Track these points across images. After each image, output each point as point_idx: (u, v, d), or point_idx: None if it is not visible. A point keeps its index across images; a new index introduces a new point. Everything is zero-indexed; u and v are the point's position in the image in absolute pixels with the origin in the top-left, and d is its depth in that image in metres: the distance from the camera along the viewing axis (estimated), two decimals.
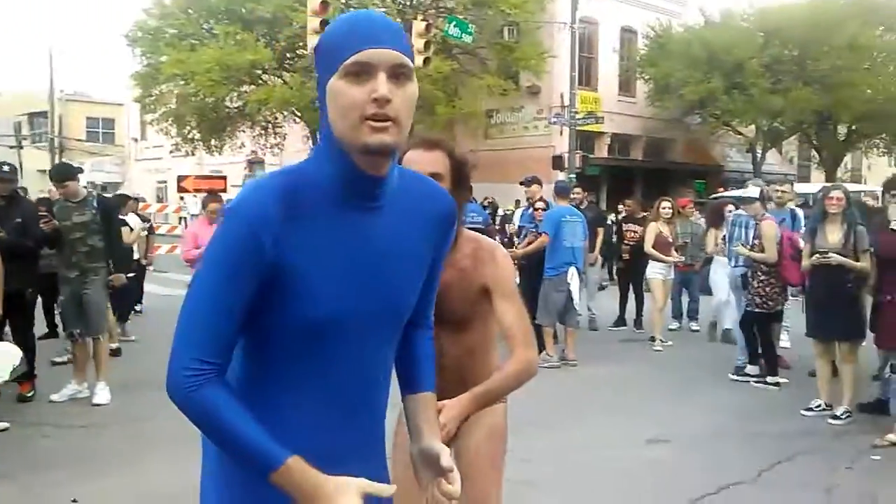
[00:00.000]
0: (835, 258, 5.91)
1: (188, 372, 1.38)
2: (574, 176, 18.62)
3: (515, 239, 10.35)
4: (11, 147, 34.80)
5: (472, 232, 2.43)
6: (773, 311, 7.07)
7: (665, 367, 7.99)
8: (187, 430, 4.91)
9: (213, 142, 25.11)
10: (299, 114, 22.27)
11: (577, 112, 20.01)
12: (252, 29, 21.43)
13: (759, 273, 7.00)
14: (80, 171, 6.88)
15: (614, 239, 11.49)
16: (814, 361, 6.48)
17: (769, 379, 7.07)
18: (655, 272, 9.25)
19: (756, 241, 7.09)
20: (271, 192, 1.39)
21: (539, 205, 8.83)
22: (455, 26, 17.69)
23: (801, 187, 19.81)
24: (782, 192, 8.16)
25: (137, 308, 11.23)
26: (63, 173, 6.35)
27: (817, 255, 6.02)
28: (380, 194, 1.47)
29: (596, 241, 10.05)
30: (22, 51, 79.86)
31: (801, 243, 6.87)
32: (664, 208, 9.31)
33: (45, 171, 33.45)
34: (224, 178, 22.63)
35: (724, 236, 8.09)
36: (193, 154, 26.19)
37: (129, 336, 8.97)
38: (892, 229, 5.61)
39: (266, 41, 21.35)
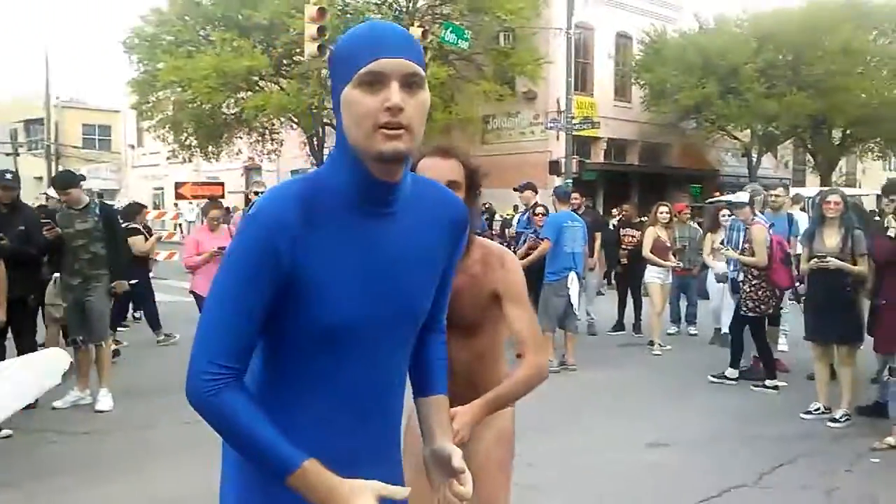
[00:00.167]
0: (833, 262, 5.96)
1: (207, 376, 1.41)
2: (571, 181, 18.68)
3: (513, 245, 10.38)
4: (8, 154, 34.73)
5: (482, 238, 2.47)
6: (765, 314, 7.12)
7: (664, 371, 8.03)
8: (190, 436, 4.97)
9: (210, 148, 25.15)
10: (296, 120, 22.31)
11: (573, 117, 20.09)
12: (249, 36, 21.48)
13: (751, 277, 7.06)
14: (83, 178, 6.92)
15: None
16: (812, 365, 6.52)
17: (768, 382, 7.11)
18: (653, 276, 9.30)
19: (746, 245, 7.15)
20: (289, 200, 1.43)
21: (539, 210, 8.88)
22: (451, 32, 17.77)
23: (796, 191, 19.95)
24: (776, 196, 8.20)
25: (136, 315, 11.25)
26: (66, 181, 6.38)
27: (815, 260, 6.07)
28: (393, 201, 1.50)
29: (594, 246, 10.10)
30: (18, 57, 79.80)
31: (795, 247, 6.95)
32: (662, 213, 9.36)
33: (41, 178, 33.54)
34: (221, 184, 22.67)
35: (723, 240, 8.14)
36: (190, 161, 26.21)
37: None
38: (889, 236, 5.65)
39: (263, 48, 21.39)
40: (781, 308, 8.42)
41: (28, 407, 6.17)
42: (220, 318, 1.43)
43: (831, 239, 6.08)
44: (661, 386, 7.39)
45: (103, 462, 5.11)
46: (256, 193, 7.87)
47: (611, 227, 12.24)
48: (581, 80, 23.73)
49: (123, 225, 9.53)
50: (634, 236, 10.24)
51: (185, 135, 24.61)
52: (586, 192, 12.72)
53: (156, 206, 31.56)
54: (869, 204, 22.90)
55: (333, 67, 1.47)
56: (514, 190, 9.97)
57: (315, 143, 23.93)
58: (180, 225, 24.27)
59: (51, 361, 2.88)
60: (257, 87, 22.14)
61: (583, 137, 22.45)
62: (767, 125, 23.65)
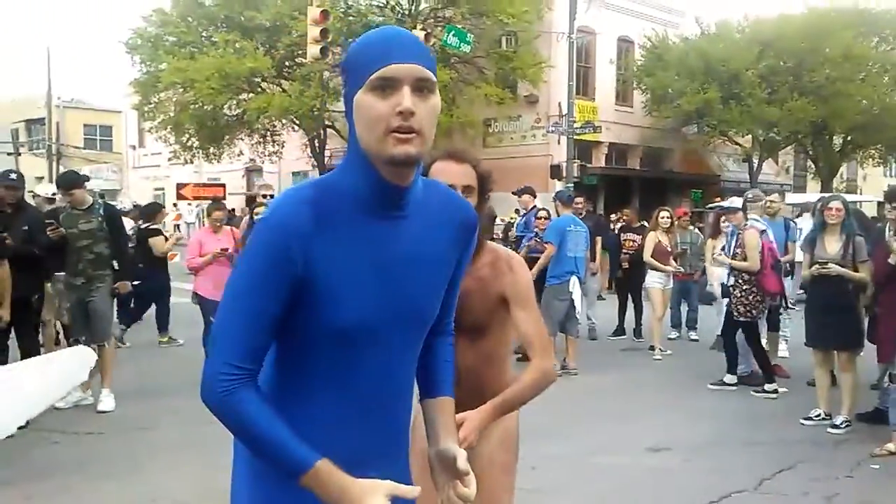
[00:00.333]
0: (834, 269, 5.98)
1: (222, 377, 1.43)
2: (572, 185, 18.70)
3: (515, 248, 10.39)
4: (9, 154, 34.73)
5: (491, 242, 2.49)
6: (756, 319, 7.16)
7: (665, 376, 8.04)
8: (191, 437, 5.00)
9: (211, 149, 25.16)
10: (298, 122, 22.33)
11: (574, 121, 20.10)
12: (251, 37, 21.51)
13: (741, 282, 7.10)
14: (87, 178, 6.93)
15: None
16: (813, 371, 6.53)
17: (766, 387, 7.13)
18: (654, 281, 9.32)
19: (738, 250, 7.19)
20: (302, 203, 1.45)
21: (542, 214, 8.91)
22: (454, 36, 17.80)
23: (796, 197, 20.02)
24: (771, 202, 8.23)
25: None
26: (70, 181, 6.40)
27: (817, 266, 6.09)
28: (405, 204, 1.52)
29: (596, 251, 10.12)
30: (19, 57, 79.91)
31: (794, 252, 6.99)
32: (663, 218, 9.38)
33: (42, 177, 33.54)
34: (223, 185, 22.73)
35: (723, 247, 8.16)
36: (192, 162, 26.22)
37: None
38: (889, 263, 5.66)
39: (265, 49, 21.42)
40: (781, 314, 8.46)
41: None
42: (235, 320, 1.45)
43: (832, 245, 6.10)
44: (662, 390, 7.41)
45: (105, 462, 5.12)
46: (265, 196, 7.89)
47: (615, 231, 12.25)
48: (583, 84, 23.77)
49: (145, 226, 9.61)
50: (635, 241, 10.26)
51: (187, 136, 24.63)
52: (587, 197, 12.72)
53: None
54: (870, 210, 22.94)
55: (346, 73, 1.49)
56: (513, 194, 9.99)
57: (317, 145, 23.95)
58: (178, 226, 24.25)
59: (79, 358, 2.92)
60: (259, 89, 22.17)
61: (584, 142, 22.47)
62: (769, 131, 23.69)
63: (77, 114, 41.82)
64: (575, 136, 20.25)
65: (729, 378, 7.42)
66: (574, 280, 7.96)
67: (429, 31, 17.63)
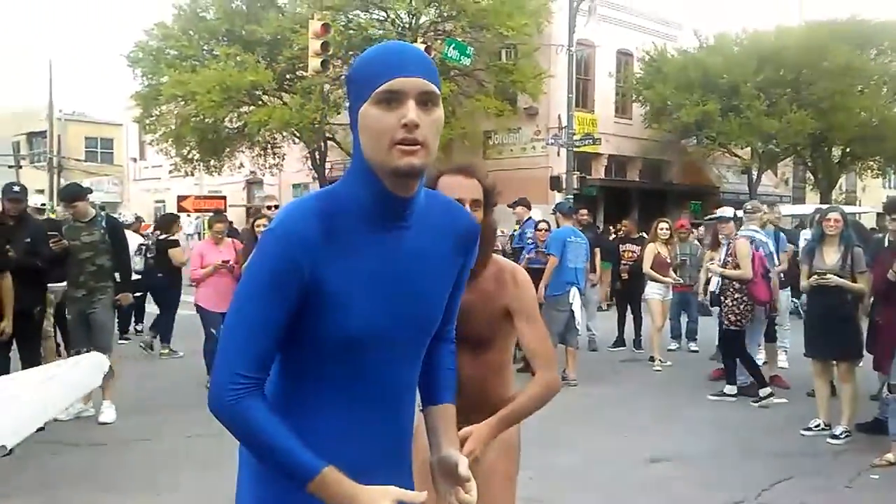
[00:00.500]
0: (833, 279, 6.01)
1: (229, 386, 1.46)
2: (572, 197, 18.74)
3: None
4: (10, 167, 34.77)
5: (495, 255, 2.51)
6: (744, 328, 7.24)
7: (665, 387, 8.05)
8: (192, 449, 5.03)
9: (212, 162, 25.20)
10: (298, 134, 22.38)
11: (574, 133, 20.16)
12: (252, 50, 21.59)
13: (732, 291, 7.16)
14: (90, 191, 6.99)
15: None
16: (812, 381, 6.55)
17: (761, 392, 7.19)
18: (654, 293, 9.35)
19: (729, 259, 7.25)
20: (308, 215, 1.48)
21: (542, 225, 8.95)
22: (454, 49, 17.88)
23: (795, 209, 20.06)
24: (762, 213, 8.28)
25: (139, 328, 11.30)
26: (73, 193, 6.43)
27: (815, 277, 6.12)
28: (408, 214, 1.56)
29: (596, 262, 10.16)
30: (21, 70, 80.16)
31: (783, 262, 7.09)
32: (662, 229, 9.42)
33: (43, 190, 33.58)
34: (223, 198, 22.78)
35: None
36: (192, 174, 26.27)
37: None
38: (887, 278, 5.69)
39: (266, 63, 21.50)
40: (778, 325, 8.48)
41: None
42: (242, 330, 1.48)
43: (831, 256, 6.13)
44: (662, 401, 7.42)
45: (106, 473, 5.14)
46: (269, 208, 7.93)
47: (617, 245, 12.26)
48: (582, 96, 23.84)
49: (164, 237, 9.67)
50: (634, 252, 10.30)
51: (188, 148, 24.67)
52: (587, 208, 12.76)
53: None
54: (869, 221, 22.98)
55: (351, 86, 1.53)
56: (508, 206, 10.03)
57: (317, 157, 24.00)
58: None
59: (94, 364, 2.97)
60: (260, 102, 22.24)
61: (584, 153, 22.51)
62: (768, 143, 23.74)
63: (78, 126, 41.90)
64: (574, 148, 20.30)
65: (729, 389, 7.44)
66: (574, 291, 8.00)
67: (429, 44, 17.72)
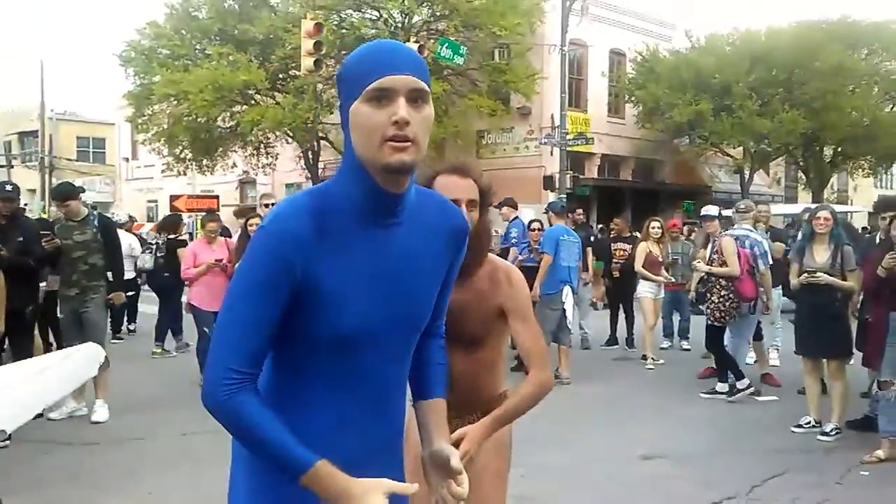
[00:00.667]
0: (823, 277, 6.04)
1: (223, 381, 1.47)
2: (565, 196, 18.77)
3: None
4: (2, 166, 34.72)
5: (490, 254, 2.53)
6: (727, 324, 7.32)
7: (657, 385, 8.08)
8: (185, 447, 5.04)
9: (204, 161, 25.17)
10: (291, 134, 22.37)
11: (567, 133, 20.20)
12: (245, 50, 21.57)
13: (719, 288, 7.23)
14: (82, 190, 6.99)
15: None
16: (803, 379, 6.59)
17: (738, 384, 7.25)
18: (645, 291, 9.39)
19: (715, 257, 7.32)
20: (300, 212, 1.50)
21: (535, 225, 8.97)
22: (447, 48, 17.90)
23: (787, 208, 20.15)
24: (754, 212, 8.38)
25: (131, 327, 11.28)
26: (65, 193, 6.43)
27: (805, 275, 6.15)
28: (399, 211, 1.57)
29: (588, 261, 10.18)
30: (12, 69, 79.81)
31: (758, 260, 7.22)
32: (653, 228, 9.46)
33: (34, 190, 33.47)
34: (216, 197, 22.75)
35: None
36: (185, 174, 26.22)
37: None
38: (877, 274, 5.72)
39: (259, 62, 21.49)
40: (772, 323, 8.53)
41: None
42: (235, 326, 1.49)
43: (821, 254, 6.16)
44: (655, 399, 7.45)
45: (99, 472, 5.14)
46: (266, 206, 7.94)
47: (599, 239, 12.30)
48: (575, 96, 23.88)
49: (172, 237, 9.69)
50: (626, 250, 10.33)
51: (180, 148, 24.63)
52: (580, 208, 12.79)
53: (150, 219, 31.60)
54: (860, 221, 23.11)
55: (342, 84, 1.54)
56: (494, 207, 10.02)
57: (310, 157, 23.99)
58: None
59: (89, 354, 2.99)
60: (253, 101, 22.22)
61: (577, 153, 22.55)
62: (760, 142, 23.83)
63: (70, 126, 41.79)
64: (567, 148, 20.34)
65: (721, 386, 7.47)
66: (567, 290, 8.02)
67: (422, 43, 17.73)
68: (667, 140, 25.11)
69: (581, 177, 22.40)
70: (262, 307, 1.48)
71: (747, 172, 25.14)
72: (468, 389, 2.47)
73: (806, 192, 28.51)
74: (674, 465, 5.42)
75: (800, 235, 6.92)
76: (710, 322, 7.38)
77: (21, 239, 6.21)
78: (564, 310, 8.03)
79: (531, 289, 7.79)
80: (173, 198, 21.84)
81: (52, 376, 2.71)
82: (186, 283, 7.64)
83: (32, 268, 6.33)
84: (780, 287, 8.36)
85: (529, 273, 8.00)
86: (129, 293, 9.17)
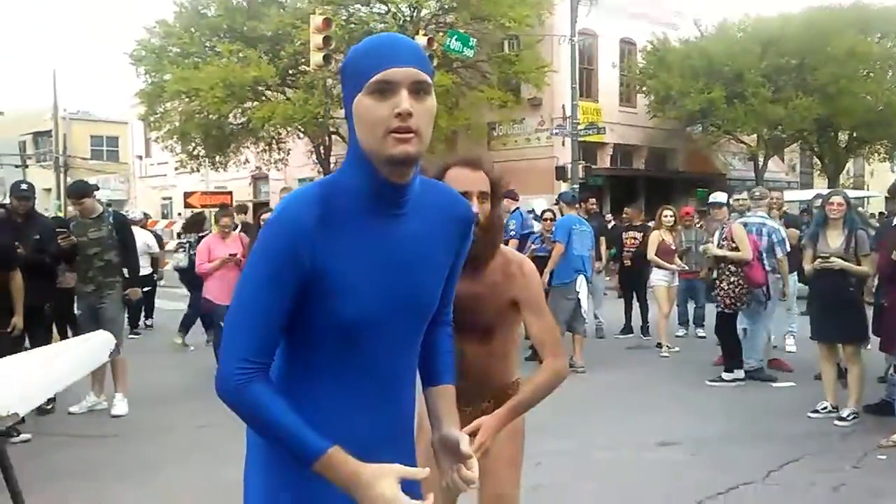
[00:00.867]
0: (837, 262, 6.01)
1: (236, 371, 1.50)
2: (577, 186, 18.73)
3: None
4: (17, 166, 34.94)
5: (503, 246, 2.55)
6: (738, 311, 7.37)
7: (673, 373, 8.08)
8: (204, 439, 5.09)
9: (217, 158, 25.27)
10: (303, 129, 22.42)
11: (578, 123, 20.14)
12: (254, 46, 21.62)
13: (728, 274, 7.24)
14: (97, 188, 7.04)
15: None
16: (819, 365, 6.56)
17: (724, 375, 7.39)
18: (659, 279, 9.38)
19: (724, 243, 7.35)
20: (308, 203, 1.52)
21: (547, 215, 8.98)
22: (457, 40, 17.85)
23: (803, 194, 20.01)
24: (742, 200, 8.49)
25: (148, 322, 11.38)
26: (80, 190, 6.50)
27: (819, 260, 6.12)
28: (404, 202, 1.59)
29: (601, 250, 10.19)
30: (25, 70, 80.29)
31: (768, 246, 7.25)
32: (666, 216, 9.43)
33: (49, 189, 33.73)
34: (229, 193, 22.85)
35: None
36: (198, 171, 26.34)
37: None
38: (892, 259, 5.69)
39: (269, 58, 21.53)
40: (788, 310, 8.50)
41: (45, 412, 6.32)
42: (246, 316, 1.52)
43: (835, 239, 6.13)
44: (670, 386, 7.45)
45: (119, 464, 5.20)
46: None
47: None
48: (586, 86, 23.79)
49: (200, 235, 9.77)
50: (637, 238, 10.32)
51: (193, 145, 24.74)
52: (593, 197, 12.75)
53: (164, 216, 31.78)
54: (877, 206, 22.91)
55: (346, 77, 1.56)
56: None
57: (322, 151, 24.04)
58: (180, 234, 24.40)
59: (101, 341, 3.05)
60: (263, 98, 22.28)
61: (589, 143, 22.48)
62: (773, 129, 23.66)
63: (83, 125, 42.06)
64: (579, 138, 20.28)
65: (737, 373, 7.46)
66: (581, 279, 8.03)
67: (431, 36, 17.71)
68: (679, 128, 24.96)
69: (593, 167, 22.33)
70: (272, 297, 1.50)
71: (761, 159, 24.99)
72: (481, 378, 2.51)
73: (822, 178, 28.29)
74: (689, 451, 5.42)
75: (813, 221, 6.89)
76: (720, 309, 7.36)
77: (38, 237, 6.28)
78: (579, 299, 8.04)
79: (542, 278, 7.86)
80: (187, 195, 21.95)
81: (66, 362, 2.77)
82: (201, 277, 7.69)
83: (49, 265, 6.40)
84: (796, 273, 8.33)
85: (542, 263, 8.05)
86: (145, 289, 9.26)
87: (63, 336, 8.77)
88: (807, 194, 19.34)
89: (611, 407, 6.76)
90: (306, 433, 1.48)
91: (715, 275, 7.43)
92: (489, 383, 2.55)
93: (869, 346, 6.49)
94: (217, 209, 9.81)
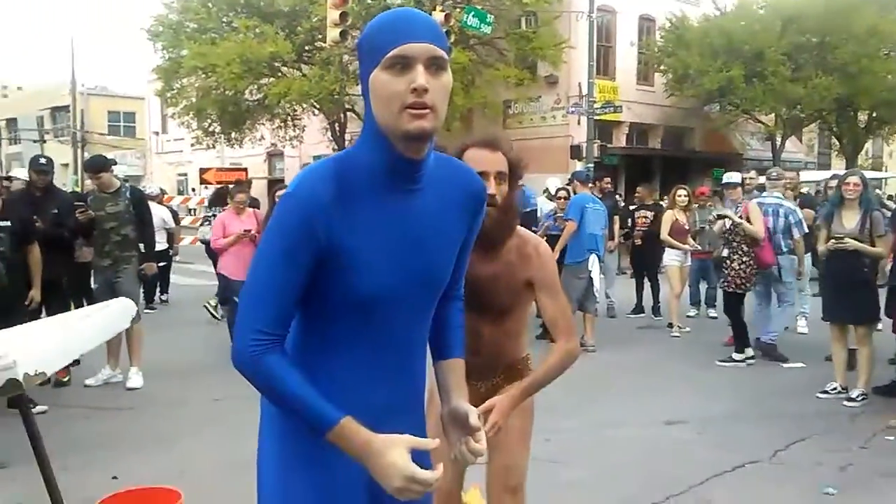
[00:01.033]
0: (851, 243, 6.00)
1: (252, 342, 1.54)
2: (592, 165, 18.65)
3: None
4: (35, 141, 35.25)
5: (519, 227, 2.59)
6: (747, 291, 7.45)
7: (683, 352, 8.10)
8: (218, 411, 5.17)
9: (233, 134, 25.32)
10: (318, 106, 22.40)
11: (595, 101, 20.01)
12: (271, 22, 21.57)
13: (741, 253, 7.29)
14: (114, 162, 7.12)
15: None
16: (830, 345, 6.56)
17: (735, 355, 7.46)
18: (672, 259, 9.37)
19: (740, 220, 7.37)
20: (324, 178, 1.55)
21: (561, 194, 8.99)
22: (474, 16, 17.73)
23: (820, 175, 19.83)
24: (750, 179, 8.66)
25: (164, 297, 11.50)
26: (97, 165, 6.56)
27: (834, 241, 6.11)
28: (419, 177, 1.62)
29: (614, 230, 10.19)
30: (44, 46, 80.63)
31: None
32: (680, 196, 9.40)
33: (67, 164, 33.95)
34: (245, 170, 22.90)
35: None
36: (214, 147, 26.42)
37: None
38: None
39: (285, 34, 21.48)
40: (801, 291, 8.48)
41: (61, 385, 6.43)
42: (262, 289, 1.56)
43: (850, 220, 6.11)
44: (680, 366, 7.48)
45: (136, 436, 5.30)
46: None
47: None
48: (603, 64, 23.61)
49: (224, 208, 9.82)
50: (647, 217, 10.30)
51: (209, 121, 24.78)
52: (608, 176, 12.71)
53: (180, 192, 31.94)
54: (895, 187, 22.68)
55: (362, 53, 1.58)
56: None
57: (337, 128, 24.02)
58: (193, 210, 24.50)
59: (123, 307, 3.13)
60: (279, 74, 22.26)
61: (605, 122, 22.34)
62: (792, 109, 23.41)
63: (101, 101, 42.25)
64: (595, 117, 20.16)
65: (737, 355, 7.49)
66: (593, 258, 8.04)
67: (448, 12, 17.59)
68: (697, 107, 24.73)
69: (609, 146, 22.22)
70: (288, 270, 1.54)
71: (779, 139, 24.75)
72: (493, 355, 2.57)
73: (839, 158, 28.01)
74: (697, 430, 5.46)
75: (829, 202, 6.87)
76: (730, 289, 7.37)
77: (56, 211, 6.36)
78: (591, 278, 8.05)
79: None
80: (202, 171, 22.00)
81: (89, 326, 2.83)
82: (217, 252, 7.76)
83: (67, 239, 6.48)
84: (810, 254, 8.32)
85: (556, 242, 8.07)
86: (161, 264, 9.35)
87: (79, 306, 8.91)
88: (824, 175, 19.20)
89: (620, 386, 6.79)
90: (320, 404, 1.52)
91: (725, 253, 7.42)
92: (501, 360, 2.62)
93: (881, 327, 6.48)
94: (232, 185, 9.83)
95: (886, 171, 28.92)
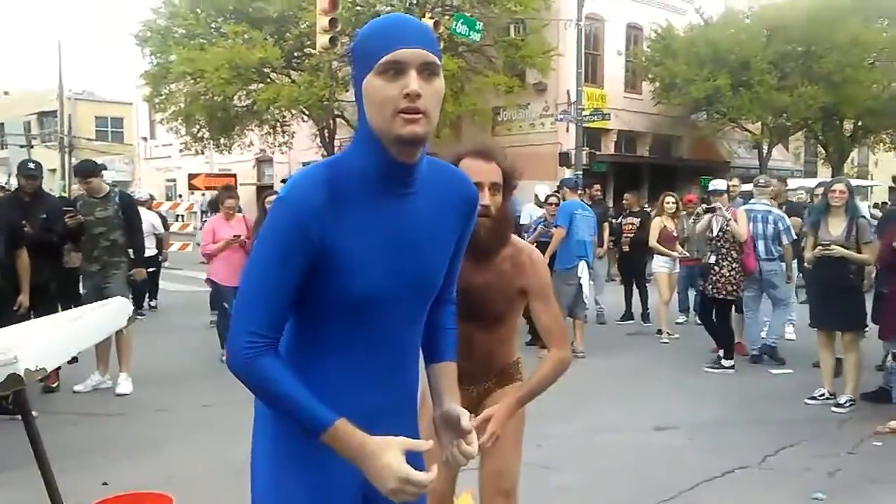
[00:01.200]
0: (837, 250, 6.05)
1: (246, 344, 1.55)
2: (581, 173, 18.72)
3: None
4: (22, 146, 35.01)
5: (513, 236, 2.61)
6: (739, 297, 7.56)
7: (672, 359, 8.13)
8: (208, 418, 5.15)
9: (222, 140, 25.28)
10: (307, 112, 22.39)
11: (583, 109, 20.10)
12: (260, 28, 21.57)
13: (730, 261, 7.37)
14: (104, 167, 7.08)
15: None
16: (817, 352, 6.60)
17: (724, 362, 7.47)
18: (660, 266, 9.42)
19: (728, 228, 7.46)
20: (317, 182, 1.56)
21: (552, 200, 9.02)
22: (463, 24, 17.78)
23: (806, 183, 19.98)
24: (733, 186, 8.88)
25: (152, 304, 11.45)
26: (88, 169, 6.54)
27: (820, 248, 6.15)
28: (412, 181, 1.63)
29: (603, 236, 10.23)
30: (31, 50, 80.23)
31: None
32: (668, 203, 9.45)
33: (54, 169, 33.76)
34: (233, 176, 22.87)
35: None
36: (202, 153, 26.35)
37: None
38: (893, 247, 5.72)
39: (274, 40, 21.49)
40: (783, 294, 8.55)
41: (50, 391, 6.39)
42: (257, 292, 1.56)
43: (836, 227, 6.17)
44: (669, 372, 7.51)
45: (125, 442, 5.27)
46: None
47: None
48: (591, 71, 23.73)
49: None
50: (634, 224, 10.37)
51: (198, 127, 24.75)
52: (597, 184, 12.77)
53: (168, 198, 31.82)
54: (881, 195, 22.87)
55: (355, 58, 1.59)
56: None
57: (326, 134, 24.02)
58: (181, 217, 24.42)
59: (118, 307, 3.12)
60: (268, 80, 22.25)
61: (593, 129, 22.45)
62: (778, 117, 23.59)
63: (88, 106, 42.08)
64: (584, 124, 20.25)
65: (726, 362, 7.52)
66: (583, 265, 8.07)
67: (437, 19, 17.64)
68: (684, 115, 24.90)
69: (597, 153, 22.31)
70: (281, 274, 1.55)
71: (766, 147, 24.93)
72: (485, 361, 2.61)
73: (826, 166, 28.22)
74: (686, 436, 5.48)
75: (815, 209, 6.93)
76: (720, 296, 7.42)
77: (45, 216, 6.32)
78: (580, 284, 8.08)
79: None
80: (191, 176, 21.97)
81: (85, 324, 2.84)
82: (206, 258, 7.74)
83: (56, 244, 6.45)
84: (797, 261, 8.38)
85: (546, 249, 8.08)
86: (150, 270, 9.31)
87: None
88: (810, 183, 19.35)
89: (610, 392, 6.81)
90: (314, 406, 1.53)
91: (713, 260, 7.47)
92: (493, 364, 2.66)
93: (867, 334, 6.53)
94: (220, 191, 9.81)
95: (872, 179, 29.10)
